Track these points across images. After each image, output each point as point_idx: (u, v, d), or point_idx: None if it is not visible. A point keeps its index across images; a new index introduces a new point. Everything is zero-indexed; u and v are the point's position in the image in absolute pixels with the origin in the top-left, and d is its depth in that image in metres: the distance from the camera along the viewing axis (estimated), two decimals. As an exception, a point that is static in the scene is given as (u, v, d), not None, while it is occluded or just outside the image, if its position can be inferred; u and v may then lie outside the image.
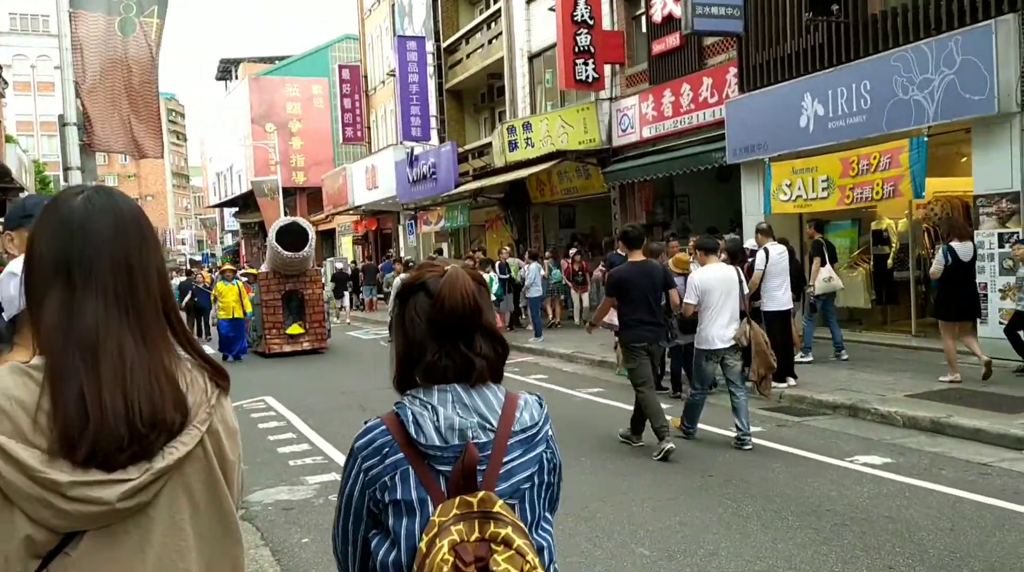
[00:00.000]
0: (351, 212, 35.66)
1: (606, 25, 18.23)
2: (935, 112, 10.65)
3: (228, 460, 1.82)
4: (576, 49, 17.76)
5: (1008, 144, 10.11)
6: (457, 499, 1.57)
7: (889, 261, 13.58)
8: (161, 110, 10.77)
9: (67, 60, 10.88)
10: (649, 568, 4.96)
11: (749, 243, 11.95)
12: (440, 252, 28.58)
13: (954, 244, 9.30)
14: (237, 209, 55.95)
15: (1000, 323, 10.34)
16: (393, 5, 31.06)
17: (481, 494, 1.58)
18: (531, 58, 22.08)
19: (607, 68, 18.29)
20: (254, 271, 20.84)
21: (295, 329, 17.34)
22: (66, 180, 12.87)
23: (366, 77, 35.89)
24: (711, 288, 7.67)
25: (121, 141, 10.62)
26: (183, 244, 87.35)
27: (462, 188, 23.19)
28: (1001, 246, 10.30)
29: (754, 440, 7.86)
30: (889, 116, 11.32)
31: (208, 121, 60.93)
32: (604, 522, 5.81)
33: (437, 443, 1.63)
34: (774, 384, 8.70)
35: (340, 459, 7.90)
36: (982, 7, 10.30)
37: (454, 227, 26.67)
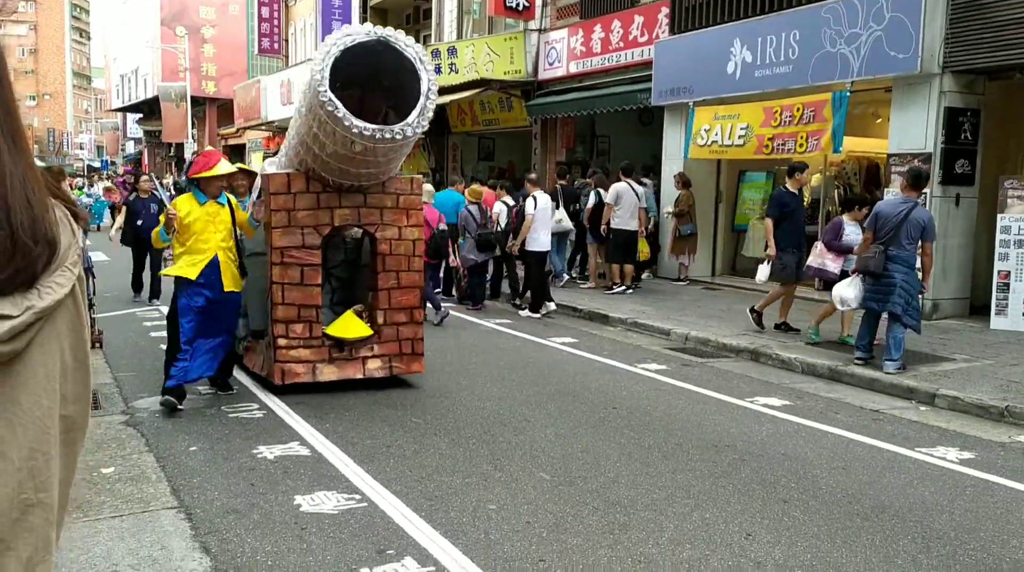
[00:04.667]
0: (263, 127, 34.40)
1: (541, -48, 17.75)
2: (860, 67, 10.73)
3: (84, 319, 1.58)
4: (509, -26, 17.26)
5: (926, 105, 10.27)
6: None
7: (800, 215, 13.78)
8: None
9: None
10: (549, 492, 4.89)
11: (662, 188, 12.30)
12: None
13: None
14: (141, 115, 53.30)
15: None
16: (320, -88, 29.56)
17: None
18: (462, -19, 21.39)
19: (539, -3, 17.88)
20: (245, 166, 8.47)
21: (348, 325, 7.25)
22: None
23: (287, -13, 34.29)
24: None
25: None
26: (81, 149, 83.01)
27: (381, 110, 22.47)
28: (908, 205, 10.52)
29: (658, 377, 7.94)
30: (815, 68, 11.36)
31: (114, 19, 57.40)
32: (505, 446, 5.72)
33: None
34: (531, 313, 11.39)
35: (237, 372, 7.58)
36: (915, -35, 10.33)
37: (370, 151, 25.96)
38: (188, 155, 39.39)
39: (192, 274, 6.38)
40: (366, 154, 6.40)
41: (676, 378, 7.95)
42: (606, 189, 12.78)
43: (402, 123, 6.27)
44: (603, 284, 13.23)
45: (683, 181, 13.72)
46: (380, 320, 7.23)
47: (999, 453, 5.87)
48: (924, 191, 10.34)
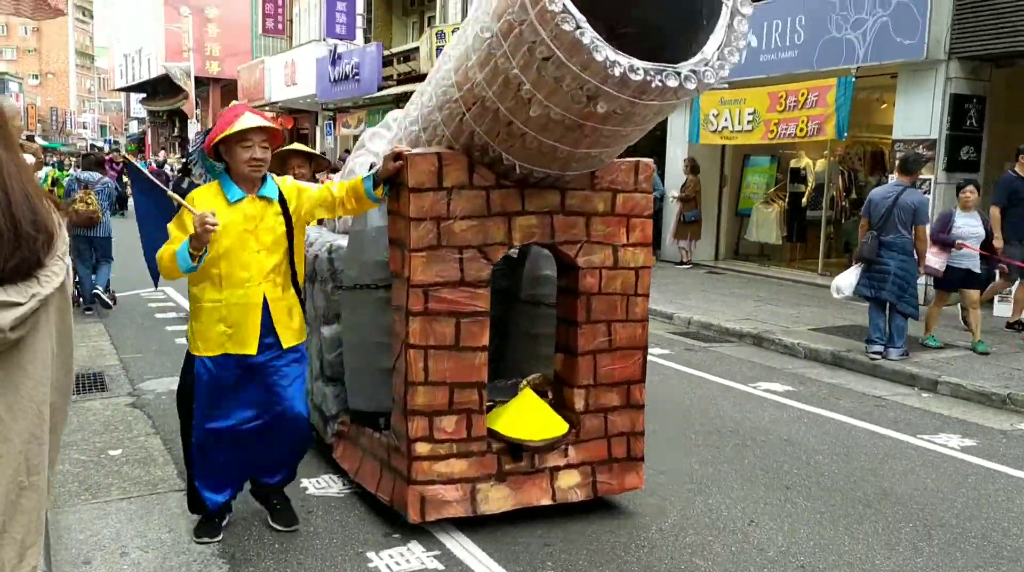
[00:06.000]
0: (267, 108, 34.31)
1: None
2: (865, 53, 10.69)
3: (69, 306, 1.66)
4: (514, -44, 17.14)
5: (932, 91, 10.25)
6: None
7: (804, 199, 13.81)
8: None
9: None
10: (553, 477, 4.92)
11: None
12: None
13: None
14: (144, 95, 53.20)
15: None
16: None
17: None
18: (466, -38, 21.26)
19: (544, -21, 17.76)
20: (304, 147, 5.81)
21: (529, 416, 4.20)
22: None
23: (291, -34, 34.13)
24: None
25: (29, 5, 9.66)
26: (84, 128, 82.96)
27: (385, 92, 22.49)
28: (913, 192, 10.52)
29: (661, 362, 7.97)
30: (820, 53, 11.32)
31: (117, -1, 57.12)
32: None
33: None
34: None
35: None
36: (923, -50, 10.28)
37: (374, 132, 25.89)
38: (192, 135, 39.36)
39: (220, 349, 3.87)
40: (609, 119, 3.31)
41: (679, 362, 7.98)
42: None
43: (694, 60, 3.20)
44: None
45: (692, 166, 13.69)
46: (579, 405, 4.26)
47: (1001, 440, 5.90)
48: (922, 176, 10.37)
